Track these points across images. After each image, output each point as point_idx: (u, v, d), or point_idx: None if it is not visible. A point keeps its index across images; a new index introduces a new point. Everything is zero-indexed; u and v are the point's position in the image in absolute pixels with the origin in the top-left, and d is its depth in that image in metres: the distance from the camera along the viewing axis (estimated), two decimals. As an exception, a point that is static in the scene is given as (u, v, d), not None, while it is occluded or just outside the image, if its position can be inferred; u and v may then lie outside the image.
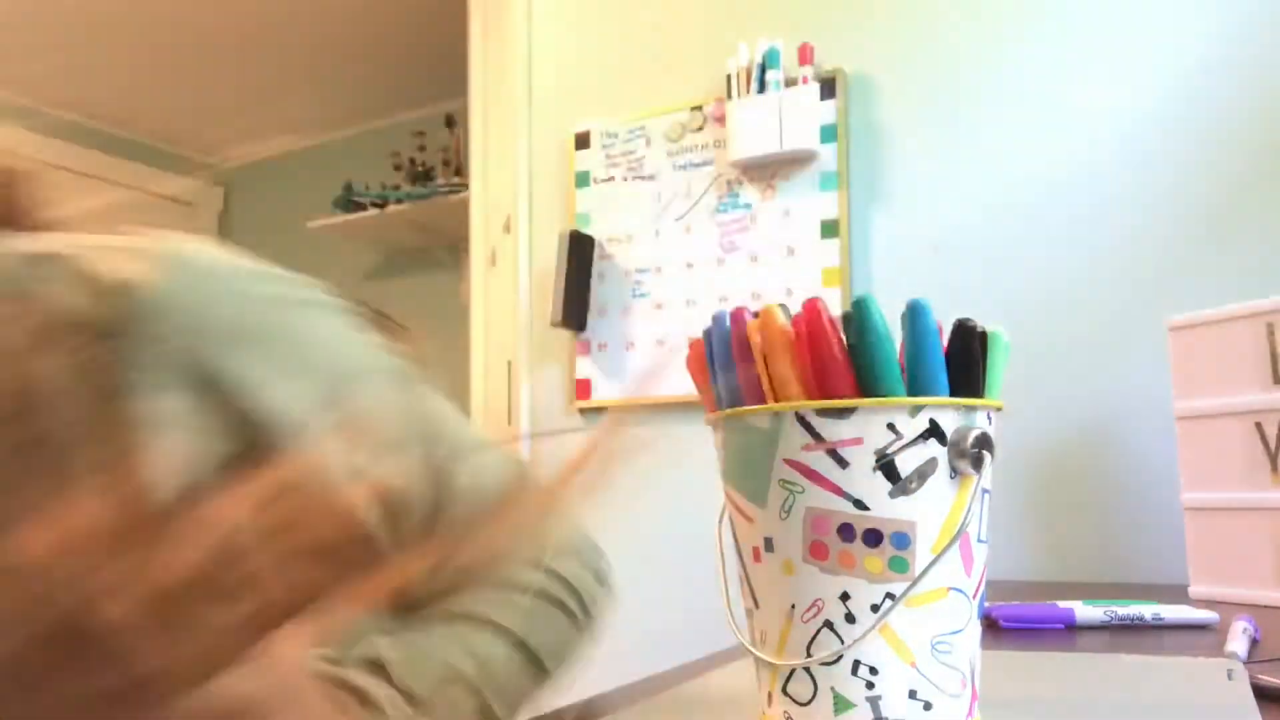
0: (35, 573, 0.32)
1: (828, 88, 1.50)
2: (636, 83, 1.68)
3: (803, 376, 0.46)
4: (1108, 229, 1.32)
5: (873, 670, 0.45)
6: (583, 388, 1.65)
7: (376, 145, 3.80)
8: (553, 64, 1.76)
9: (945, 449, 0.46)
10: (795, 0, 1.56)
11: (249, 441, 0.48)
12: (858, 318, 0.45)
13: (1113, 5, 1.35)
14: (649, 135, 1.64)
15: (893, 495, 0.45)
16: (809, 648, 0.47)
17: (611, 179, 1.67)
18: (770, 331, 0.47)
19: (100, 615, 0.33)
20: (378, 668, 0.51)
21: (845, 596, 0.46)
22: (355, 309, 0.64)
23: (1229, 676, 0.60)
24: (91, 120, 3.77)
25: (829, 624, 0.46)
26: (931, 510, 0.45)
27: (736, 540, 0.51)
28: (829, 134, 1.49)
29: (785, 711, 0.48)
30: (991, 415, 0.49)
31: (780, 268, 1.51)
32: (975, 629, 0.48)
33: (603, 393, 1.63)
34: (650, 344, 1.59)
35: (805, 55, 1.48)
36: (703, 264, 1.57)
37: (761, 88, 1.50)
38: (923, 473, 0.45)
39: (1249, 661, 0.68)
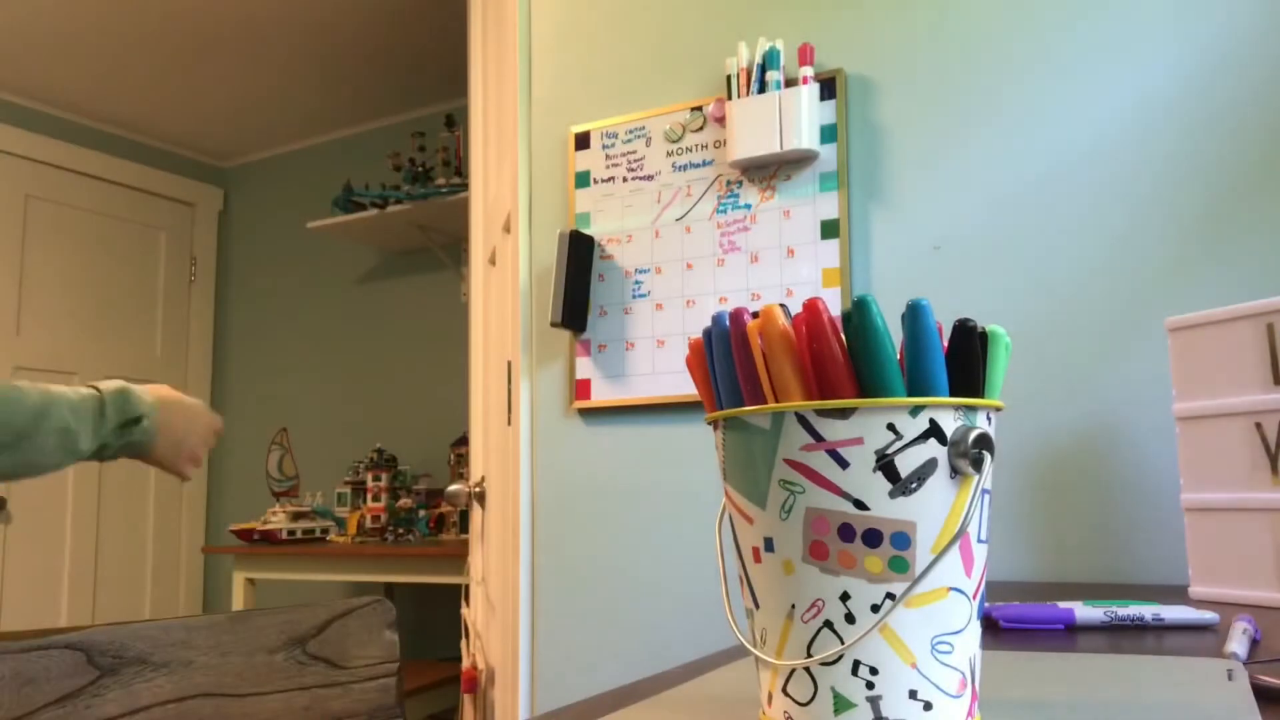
0: None
1: (828, 88, 1.50)
2: (636, 83, 1.68)
3: (803, 376, 0.46)
4: (1108, 229, 1.33)
5: (873, 670, 0.45)
6: (583, 388, 1.65)
7: (376, 145, 3.80)
8: (553, 64, 1.76)
9: (945, 449, 0.46)
10: (795, 0, 1.56)
11: None
12: (858, 318, 0.45)
13: (1113, 5, 1.35)
14: (649, 135, 1.64)
15: (893, 495, 0.45)
16: (809, 648, 0.47)
17: (611, 179, 1.67)
18: (770, 331, 0.47)
19: None
20: None
21: (845, 596, 0.46)
22: None
23: (1229, 676, 0.60)
24: (92, 121, 3.77)
25: (829, 624, 0.46)
26: (931, 510, 0.45)
27: (736, 540, 0.51)
28: (829, 134, 1.49)
29: (785, 711, 0.48)
30: (991, 415, 0.49)
31: (780, 268, 1.51)
32: (975, 629, 0.48)
33: (603, 393, 1.63)
34: (650, 344, 1.59)
35: (805, 55, 1.48)
36: (703, 264, 1.57)
37: (761, 88, 1.50)
38: (923, 473, 0.45)
39: (1249, 661, 0.68)
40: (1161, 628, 0.84)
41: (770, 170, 1.53)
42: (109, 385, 1.17)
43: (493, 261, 2.14)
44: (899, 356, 0.47)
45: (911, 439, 0.45)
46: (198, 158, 4.18)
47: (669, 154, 1.62)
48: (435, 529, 3.02)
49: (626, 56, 1.69)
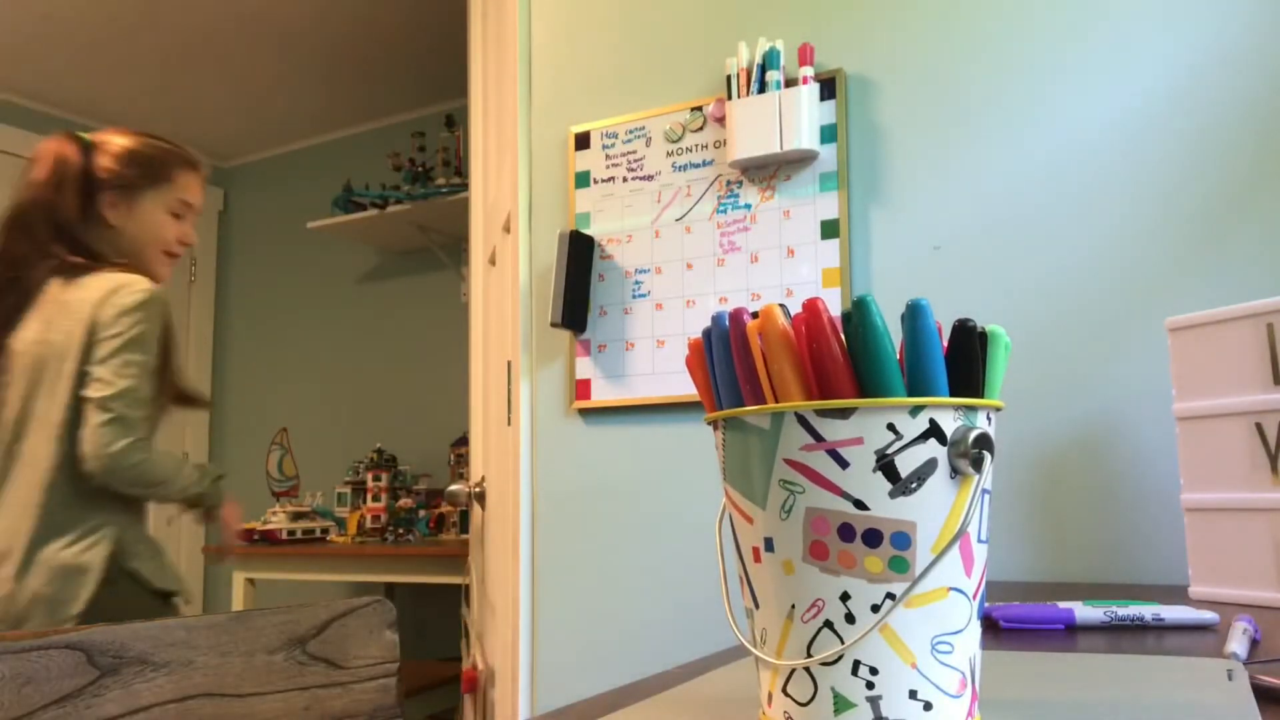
0: None
1: (828, 88, 1.50)
2: (636, 83, 1.68)
3: (803, 376, 0.46)
4: (1108, 229, 1.33)
5: (873, 670, 0.45)
6: (583, 388, 1.65)
7: (376, 145, 3.80)
8: (553, 64, 1.76)
9: (945, 449, 0.46)
10: (795, 0, 1.56)
11: None
12: (858, 318, 0.45)
13: (1113, 5, 1.35)
14: (649, 135, 1.64)
15: (893, 495, 0.45)
16: (809, 648, 0.47)
17: (611, 179, 1.67)
18: (770, 331, 0.47)
19: None
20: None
21: (845, 596, 0.46)
22: None
23: (1229, 676, 0.60)
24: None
25: (829, 624, 0.46)
26: (931, 510, 0.45)
27: (736, 540, 0.51)
28: (829, 134, 1.49)
29: (785, 711, 0.48)
30: (991, 415, 0.49)
31: (780, 268, 1.51)
32: (975, 629, 0.48)
33: (603, 393, 1.63)
34: (650, 344, 1.59)
35: (805, 55, 1.48)
36: (703, 264, 1.57)
37: (761, 88, 1.50)
38: (923, 473, 0.45)
39: (1249, 661, 0.68)
40: (1161, 628, 0.84)
41: (770, 170, 1.53)
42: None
43: (493, 262, 2.13)
44: (899, 356, 0.47)
45: (911, 439, 0.45)
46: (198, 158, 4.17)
47: (669, 154, 1.62)
48: (435, 529, 3.03)
49: (626, 56, 1.69)
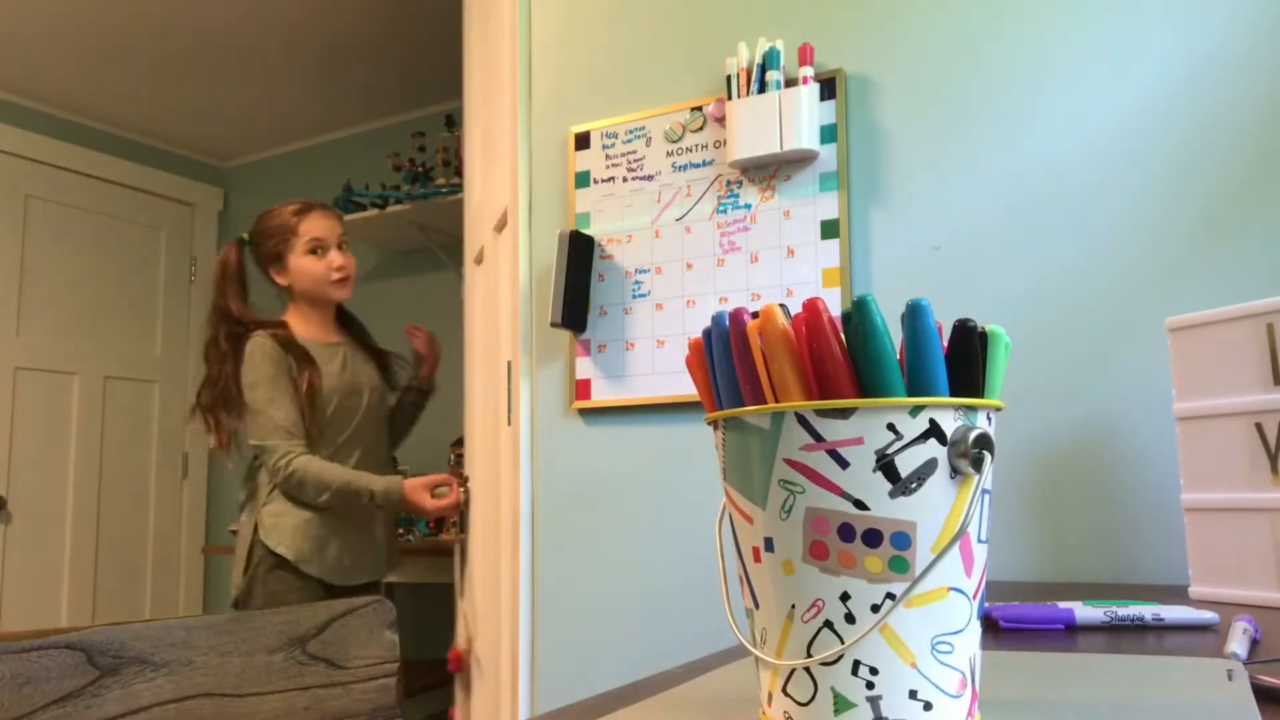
0: None
1: (828, 88, 1.50)
2: (636, 83, 1.68)
3: (803, 376, 0.46)
4: (1108, 229, 1.33)
5: (873, 670, 0.45)
6: (583, 388, 1.65)
7: (376, 145, 3.80)
8: (553, 64, 1.76)
9: (945, 449, 0.46)
10: (795, 0, 1.56)
11: None
12: (858, 318, 0.45)
13: (1112, 5, 1.35)
14: (649, 135, 1.64)
15: (893, 495, 0.45)
16: (809, 648, 0.47)
17: (611, 179, 1.67)
18: (770, 331, 0.47)
19: None
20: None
21: (845, 596, 0.46)
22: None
23: (1229, 676, 0.60)
24: (93, 121, 3.77)
25: (829, 624, 0.46)
26: (932, 510, 0.45)
27: (736, 540, 0.51)
28: (829, 134, 1.49)
29: (785, 711, 0.48)
30: (991, 415, 0.49)
31: (780, 268, 1.51)
32: (975, 629, 0.48)
33: (603, 393, 1.63)
34: (650, 344, 1.59)
35: (805, 55, 1.48)
36: (703, 264, 1.57)
37: (761, 88, 1.50)
38: (923, 473, 0.45)
39: (1249, 661, 0.68)
40: (1161, 628, 0.84)
41: (770, 170, 1.53)
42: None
43: (479, 260, 2.13)
44: (899, 356, 0.47)
45: (911, 439, 0.45)
46: (198, 158, 4.18)
47: (669, 154, 1.62)
48: (435, 529, 3.02)
49: (626, 56, 1.69)
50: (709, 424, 0.52)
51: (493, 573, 1.89)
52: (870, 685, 0.45)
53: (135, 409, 3.86)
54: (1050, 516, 1.32)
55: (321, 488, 2.04)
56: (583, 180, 1.69)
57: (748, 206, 1.54)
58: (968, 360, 0.47)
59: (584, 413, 1.66)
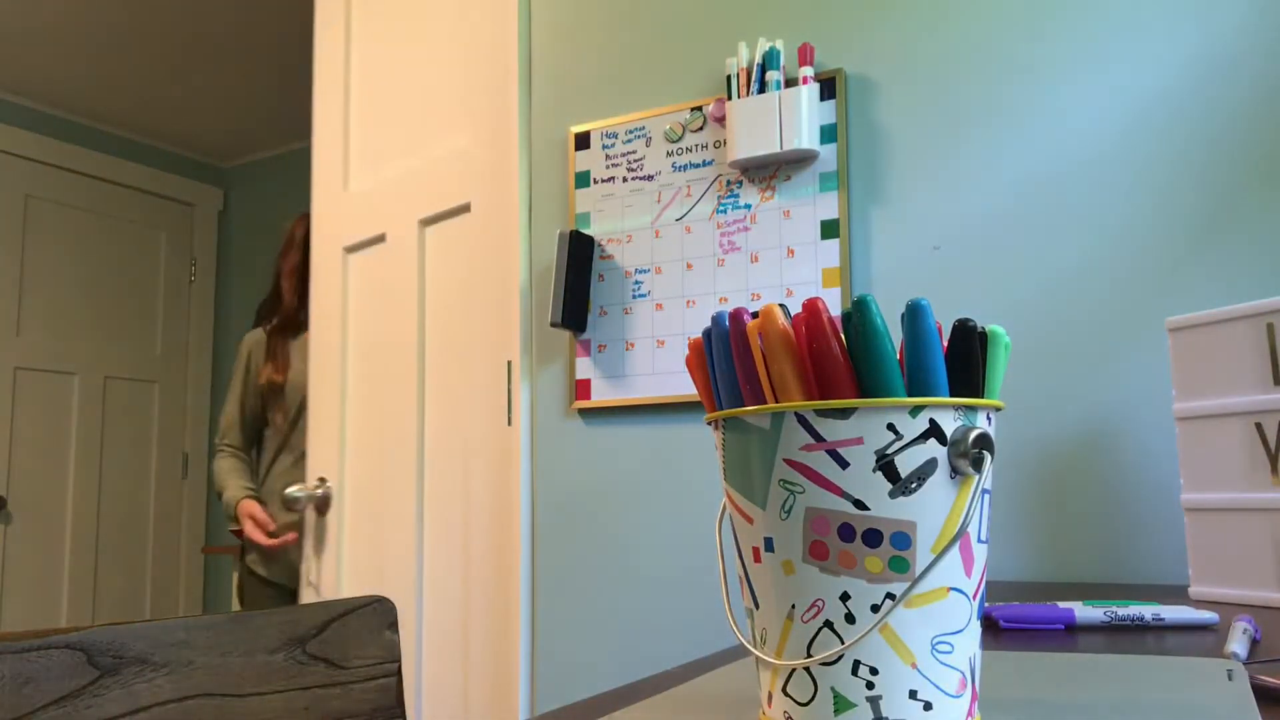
0: None
1: (828, 88, 1.50)
2: (636, 83, 1.68)
3: (803, 376, 0.46)
4: (1108, 229, 1.33)
5: (873, 670, 0.45)
6: (583, 388, 1.65)
7: (376, 145, 3.79)
8: (552, 64, 1.76)
9: (945, 449, 0.46)
10: (795, 0, 1.56)
11: None
12: (858, 318, 0.45)
13: (1112, 5, 1.35)
14: (649, 135, 1.64)
15: (893, 495, 0.45)
16: (809, 648, 0.47)
17: (611, 179, 1.67)
18: (770, 331, 0.47)
19: None
20: None
21: (845, 596, 0.46)
22: None
23: (1229, 676, 0.60)
24: (93, 121, 3.77)
25: (829, 624, 0.46)
26: (931, 510, 0.45)
27: (736, 540, 0.51)
28: (829, 134, 1.49)
29: (785, 711, 0.48)
30: (991, 415, 0.49)
31: (780, 268, 1.51)
32: (975, 629, 0.48)
33: (603, 393, 1.63)
34: (650, 344, 1.59)
35: (805, 55, 1.48)
36: (703, 264, 1.57)
37: (761, 88, 1.50)
38: (923, 473, 0.45)
39: (1249, 661, 0.68)
40: (1161, 628, 0.84)
41: (770, 170, 1.53)
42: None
43: (351, 249, 2.05)
44: (899, 356, 0.47)
45: (911, 439, 0.45)
46: (198, 158, 4.18)
47: (669, 154, 1.62)
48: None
49: (626, 56, 1.69)
50: (709, 424, 0.52)
51: (493, 572, 1.89)
52: (870, 685, 0.45)
53: (135, 409, 3.86)
54: (1050, 516, 1.32)
55: (217, 489, 2.20)
56: (583, 180, 1.69)
57: (748, 206, 1.54)
58: (968, 360, 0.47)
59: (584, 413, 1.66)
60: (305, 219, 2.33)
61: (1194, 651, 0.72)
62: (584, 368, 1.65)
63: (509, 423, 1.74)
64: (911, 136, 1.45)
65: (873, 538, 0.45)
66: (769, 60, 1.50)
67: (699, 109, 1.60)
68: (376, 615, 0.88)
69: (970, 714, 0.47)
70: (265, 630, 0.79)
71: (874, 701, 0.45)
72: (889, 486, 0.45)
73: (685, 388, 1.56)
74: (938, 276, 1.42)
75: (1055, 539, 1.31)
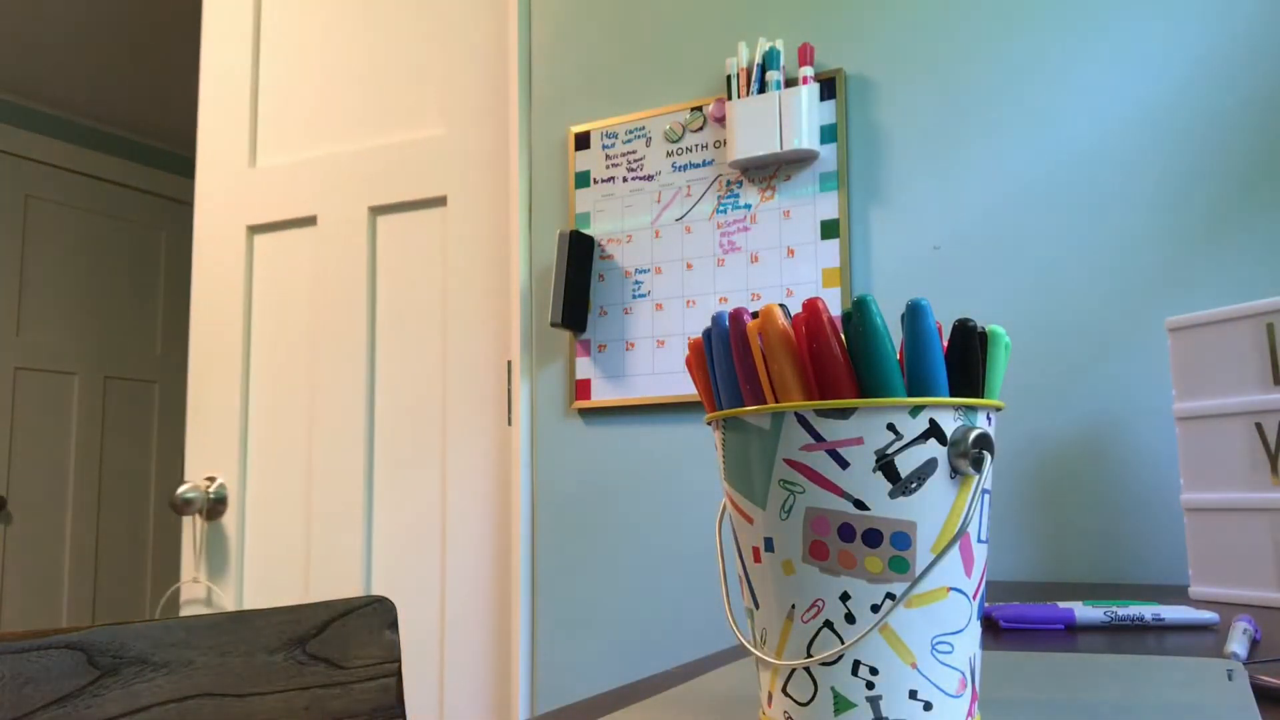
0: None
1: (828, 88, 1.50)
2: (636, 83, 1.68)
3: (803, 376, 0.46)
4: (1108, 229, 1.33)
5: (873, 670, 0.45)
6: (582, 388, 1.65)
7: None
8: (552, 64, 1.76)
9: (945, 449, 0.46)
10: (795, 0, 1.56)
11: None
12: (858, 318, 0.45)
13: (1112, 6, 1.35)
14: (649, 135, 1.64)
15: (893, 495, 0.45)
16: (809, 648, 0.47)
17: (611, 179, 1.67)
18: (770, 331, 0.47)
19: None
20: None
21: (845, 596, 0.46)
22: None
23: (1229, 676, 0.60)
24: (93, 121, 3.77)
25: (829, 624, 0.46)
26: (931, 510, 0.45)
27: (736, 540, 0.51)
28: (829, 134, 1.49)
29: (785, 711, 0.48)
30: (991, 415, 0.49)
31: (780, 268, 1.51)
32: (975, 629, 0.48)
33: (603, 393, 1.63)
34: (650, 344, 1.59)
35: (805, 55, 1.48)
36: (703, 264, 1.57)
37: (761, 88, 1.50)
38: (923, 473, 0.45)
39: (1249, 661, 0.68)
40: (1161, 628, 0.84)
41: (770, 170, 1.53)
42: None
43: (255, 230, 1.95)
44: (899, 356, 0.47)
45: (911, 439, 0.45)
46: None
47: (669, 154, 1.62)
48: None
49: (626, 56, 1.69)
50: (709, 424, 0.52)
51: (493, 572, 1.89)
52: (870, 685, 0.45)
53: (135, 409, 3.86)
54: (1050, 516, 1.32)
55: None
56: (583, 180, 1.69)
57: (748, 206, 1.54)
58: (968, 360, 0.47)
59: (584, 413, 1.66)
60: None
61: (1194, 651, 0.72)
62: (584, 368, 1.65)
63: (509, 423, 1.74)
64: (911, 136, 1.45)
65: (873, 538, 0.45)
66: (769, 60, 1.50)
67: (699, 109, 1.60)
68: (376, 615, 0.88)
69: (970, 714, 0.47)
70: (265, 630, 0.79)
71: (874, 701, 0.45)
72: (889, 486, 0.45)
73: (685, 388, 1.56)
74: (938, 276, 1.42)
75: (1055, 539, 1.31)
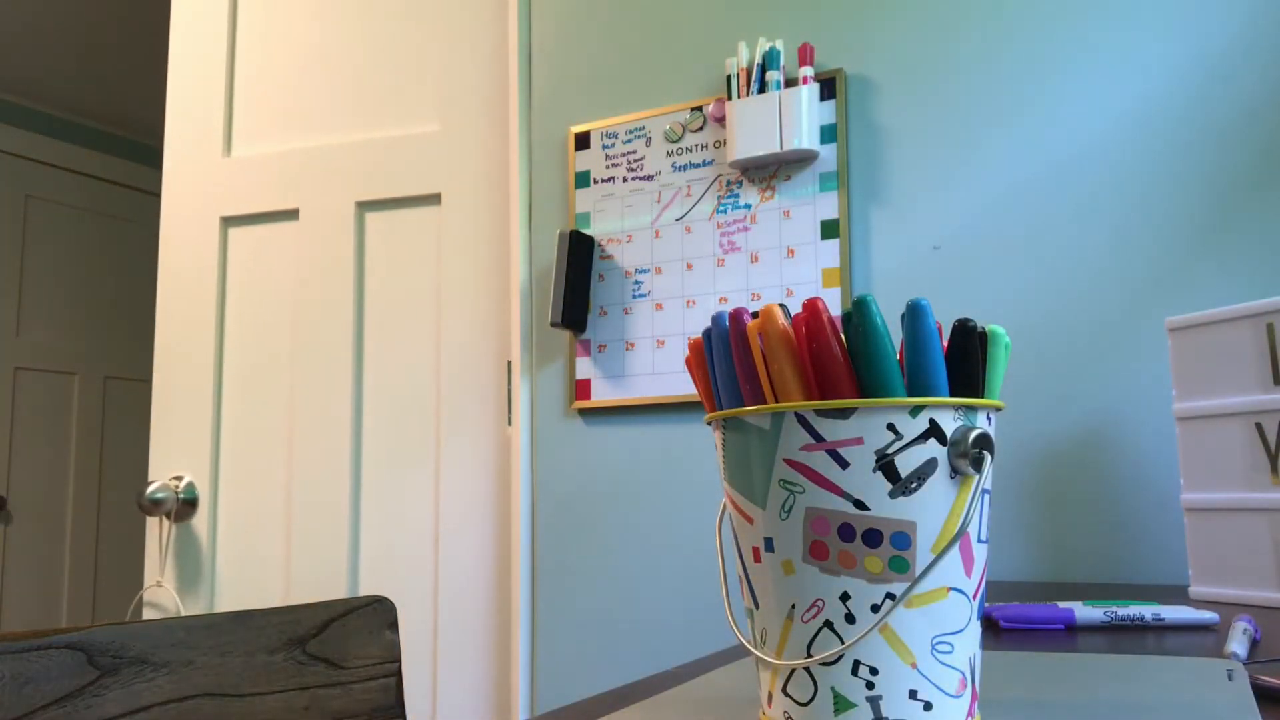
0: None
1: (828, 88, 1.50)
2: (636, 83, 1.68)
3: (803, 376, 0.46)
4: (1108, 229, 1.33)
5: (873, 670, 0.45)
6: (582, 388, 1.65)
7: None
8: (552, 64, 1.76)
9: (945, 449, 0.46)
10: (795, 0, 1.56)
11: None
12: (858, 318, 0.45)
13: (1113, 5, 1.35)
14: (649, 135, 1.64)
15: (893, 495, 0.45)
16: (809, 648, 0.47)
17: (611, 179, 1.67)
18: (770, 331, 0.47)
19: None
20: None
21: (845, 596, 0.46)
22: None
23: (1229, 677, 0.60)
24: (94, 121, 3.77)
25: (829, 624, 0.46)
26: (931, 510, 0.45)
27: (736, 540, 0.51)
28: (829, 134, 1.49)
29: (785, 711, 0.48)
30: (991, 415, 0.49)
31: (780, 268, 1.51)
32: (975, 629, 0.48)
33: (603, 393, 1.63)
34: (650, 344, 1.59)
35: (805, 55, 1.48)
36: (703, 264, 1.57)
37: (761, 88, 1.50)
38: (923, 473, 0.45)
39: (1249, 661, 0.68)
40: (1161, 628, 0.84)
41: (770, 170, 1.53)
42: None
43: (230, 221, 1.89)
44: (899, 356, 0.47)
45: (911, 439, 0.45)
46: (198, 158, 4.17)
47: (669, 154, 1.62)
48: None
49: (626, 56, 1.69)
50: (709, 424, 0.52)
51: (493, 572, 1.89)
52: (870, 685, 0.45)
53: (135, 409, 3.86)
54: (1050, 516, 1.32)
55: None
56: (583, 180, 1.69)
57: (748, 206, 1.54)
58: (968, 360, 0.47)
59: (584, 413, 1.66)
60: None
61: (1194, 651, 0.72)
62: (584, 368, 1.65)
63: (509, 423, 1.74)
64: (911, 136, 1.45)
65: (873, 538, 0.45)
66: (769, 60, 1.50)
67: (699, 109, 1.60)
68: (376, 615, 0.88)
69: (970, 714, 0.47)
70: (265, 630, 0.79)
71: (874, 701, 0.45)
72: (889, 486, 0.45)
73: (685, 388, 1.56)
74: (938, 276, 1.42)
75: (1055, 539, 1.31)
